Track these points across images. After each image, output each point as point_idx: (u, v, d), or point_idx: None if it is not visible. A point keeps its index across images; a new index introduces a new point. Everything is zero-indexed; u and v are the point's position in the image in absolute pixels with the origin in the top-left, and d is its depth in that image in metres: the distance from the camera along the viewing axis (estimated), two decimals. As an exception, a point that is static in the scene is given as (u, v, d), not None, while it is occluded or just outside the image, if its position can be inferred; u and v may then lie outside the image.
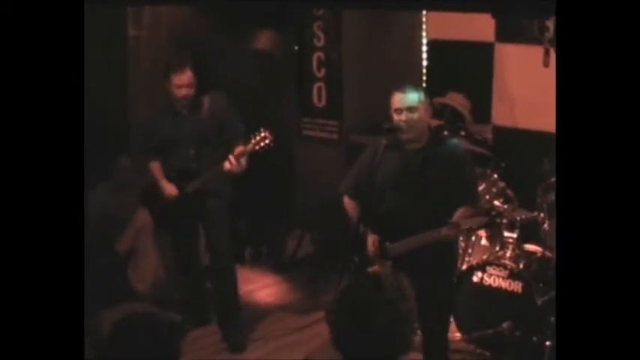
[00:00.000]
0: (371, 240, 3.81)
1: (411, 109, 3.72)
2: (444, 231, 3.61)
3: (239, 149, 4.57)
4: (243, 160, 4.61)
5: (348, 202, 4.06)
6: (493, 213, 3.69)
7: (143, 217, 5.33)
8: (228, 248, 4.95)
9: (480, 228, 3.68)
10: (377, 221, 3.83)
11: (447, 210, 3.69)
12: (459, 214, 3.67)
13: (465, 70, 5.57)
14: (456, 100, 5.24)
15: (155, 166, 4.87)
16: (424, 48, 5.90)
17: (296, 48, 6.37)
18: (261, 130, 4.55)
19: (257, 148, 4.54)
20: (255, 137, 4.54)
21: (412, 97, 3.74)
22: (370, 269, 3.77)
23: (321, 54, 6.24)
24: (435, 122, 4.67)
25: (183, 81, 4.58)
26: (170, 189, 4.79)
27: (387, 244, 3.77)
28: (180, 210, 4.81)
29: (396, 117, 3.76)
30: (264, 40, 6.12)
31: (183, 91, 4.60)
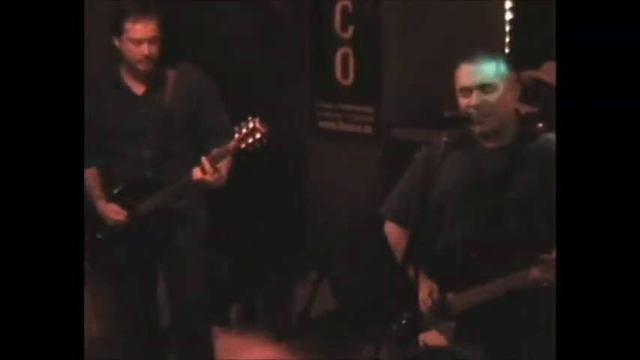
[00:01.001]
0: (426, 289, 3.75)
1: (486, 87, 3.64)
2: (535, 273, 3.49)
3: (216, 150, 4.46)
4: (222, 166, 4.50)
5: (392, 231, 4.08)
6: None
7: None
8: (202, 302, 4.92)
9: None
10: (434, 259, 3.79)
11: (544, 240, 3.51)
12: None
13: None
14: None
15: (91, 176, 4.75)
16: None
17: None
18: (249, 119, 4.38)
19: (243, 146, 4.38)
20: (240, 130, 4.38)
21: (488, 70, 3.67)
22: (424, 336, 3.74)
23: (347, 3, 6.18)
24: (524, 108, 4.57)
25: (145, 32, 4.51)
26: (114, 212, 4.68)
27: (450, 295, 3.71)
28: (130, 243, 4.73)
29: (463, 100, 3.68)
30: None
31: (144, 49, 4.52)
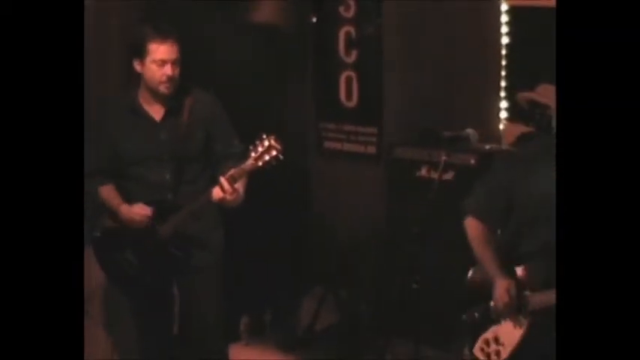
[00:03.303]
0: (504, 285, 3.83)
1: None
2: None
3: (233, 169, 4.49)
4: (239, 185, 4.52)
5: (474, 226, 4.08)
6: None
7: (94, 273, 5.12)
8: (216, 316, 4.92)
9: None
10: (515, 260, 3.88)
11: None
12: None
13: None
14: (552, 95, 4.61)
15: (109, 190, 4.79)
16: (503, 18, 5.73)
17: (314, 20, 6.44)
18: (264, 137, 4.40)
19: (260, 164, 4.40)
20: (255, 149, 4.40)
21: None
22: (497, 329, 3.88)
23: (350, 29, 6.27)
24: (521, 128, 4.80)
25: (169, 54, 4.53)
26: (140, 209, 4.67)
27: (527, 293, 3.79)
28: (150, 262, 4.73)
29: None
30: (267, 10, 6.19)
31: (168, 70, 4.53)
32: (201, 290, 4.83)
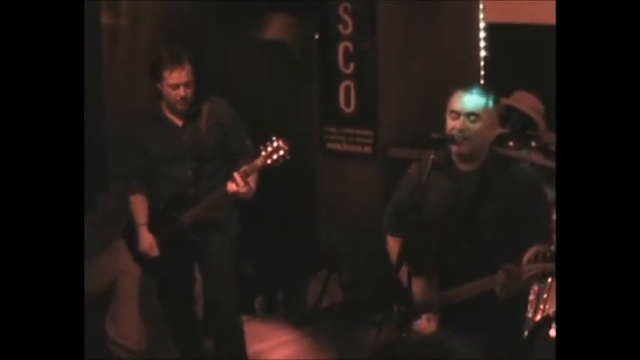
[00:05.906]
0: (418, 285, 3.79)
1: (471, 115, 3.65)
2: (501, 278, 3.52)
3: (246, 166, 4.62)
4: (251, 180, 4.64)
5: (390, 242, 4.04)
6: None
7: (125, 255, 5.28)
8: (233, 296, 5.01)
9: (546, 276, 3.49)
10: (425, 262, 3.83)
11: (514, 250, 3.61)
12: (528, 256, 3.58)
13: (536, 62, 5.34)
14: (526, 101, 5.19)
15: (138, 202, 4.93)
16: (482, 34, 5.85)
17: (316, 37, 6.42)
18: (274, 139, 4.56)
19: (269, 162, 4.55)
20: (265, 149, 4.56)
21: (476, 101, 3.67)
22: (417, 322, 3.77)
23: (349, 44, 6.28)
24: (498, 130, 4.47)
25: (180, 78, 4.67)
26: (148, 243, 4.83)
27: (440, 292, 3.76)
28: (173, 247, 4.85)
29: (450, 122, 3.70)
30: (275, 28, 6.21)
31: (181, 92, 4.69)
32: (219, 273, 4.90)
